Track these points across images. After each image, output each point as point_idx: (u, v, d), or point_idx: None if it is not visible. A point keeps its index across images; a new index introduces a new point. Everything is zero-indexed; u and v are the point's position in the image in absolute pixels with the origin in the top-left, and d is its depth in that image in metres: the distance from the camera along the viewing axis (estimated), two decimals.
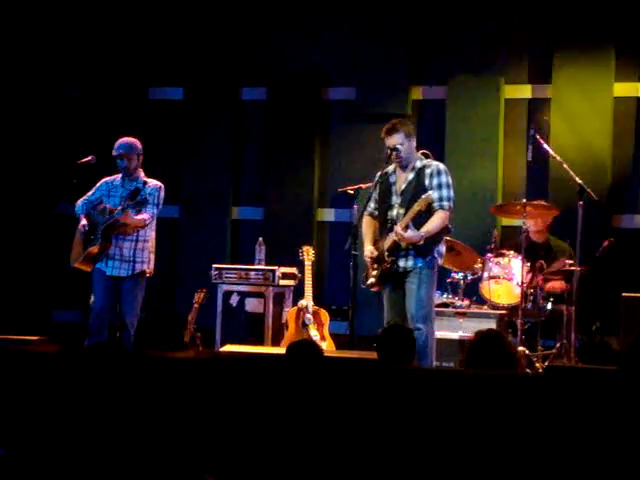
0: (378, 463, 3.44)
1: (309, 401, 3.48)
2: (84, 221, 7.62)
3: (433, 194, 6.86)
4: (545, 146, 8.30)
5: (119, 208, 7.49)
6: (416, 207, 6.79)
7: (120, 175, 7.76)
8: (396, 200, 7.02)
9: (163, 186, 7.70)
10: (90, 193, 7.76)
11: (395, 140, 6.87)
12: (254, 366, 3.63)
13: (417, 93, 9.76)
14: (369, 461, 3.44)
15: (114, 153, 7.68)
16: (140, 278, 7.64)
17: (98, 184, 7.79)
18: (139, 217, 7.54)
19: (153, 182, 7.73)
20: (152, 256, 7.73)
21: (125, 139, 7.75)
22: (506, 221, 9.23)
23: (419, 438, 3.42)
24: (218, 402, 3.60)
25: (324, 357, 5.27)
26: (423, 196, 6.81)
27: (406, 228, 6.79)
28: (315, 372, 3.55)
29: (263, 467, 3.51)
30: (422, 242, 6.80)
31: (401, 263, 6.94)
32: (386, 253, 6.94)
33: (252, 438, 3.53)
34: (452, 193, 6.96)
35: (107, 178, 7.80)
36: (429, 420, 3.43)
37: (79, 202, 7.74)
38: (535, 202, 8.22)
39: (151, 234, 7.72)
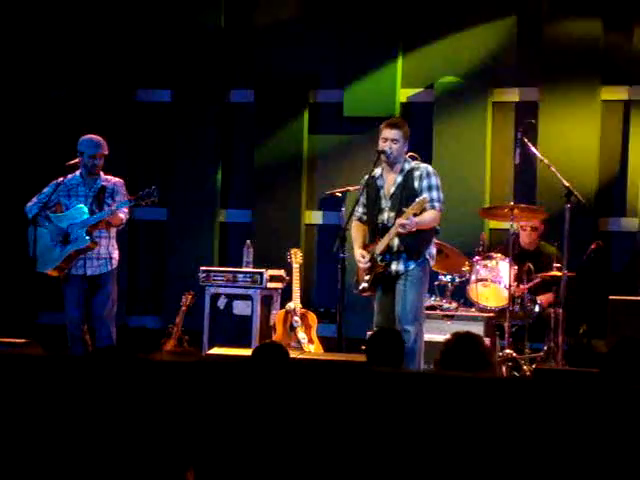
0: (363, 466, 3.43)
1: (294, 402, 3.48)
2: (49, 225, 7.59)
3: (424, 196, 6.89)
4: (532, 149, 8.30)
5: (112, 207, 7.49)
6: (410, 210, 6.79)
7: (76, 174, 7.70)
8: (386, 204, 7.03)
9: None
10: (43, 196, 7.68)
11: (394, 134, 6.96)
12: (236, 369, 3.63)
13: (405, 96, 9.76)
14: (353, 463, 3.44)
15: (97, 151, 7.61)
16: (115, 272, 7.75)
17: (50, 186, 7.71)
18: (121, 215, 7.60)
19: (114, 179, 7.77)
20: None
21: (96, 137, 7.73)
22: (494, 224, 9.23)
23: (405, 441, 3.42)
24: (201, 404, 3.60)
25: (290, 359, 5.20)
26: (418, 199, 6.81)
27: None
28: (283, 374, 3.55)
29: (245, 466, 3.51)
30: (414, 229, 6.82)
31: (393, 266, 6.95)
32: (379, 258, 6.95)
33: (233, 438, 3.53)
34: (442, 195, 7.00)
35: (59, 179, 7.70)
36: (416, 423, 3.43)
37: (31, 205, 7.66)
38: (522, 205, 8.23)
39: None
